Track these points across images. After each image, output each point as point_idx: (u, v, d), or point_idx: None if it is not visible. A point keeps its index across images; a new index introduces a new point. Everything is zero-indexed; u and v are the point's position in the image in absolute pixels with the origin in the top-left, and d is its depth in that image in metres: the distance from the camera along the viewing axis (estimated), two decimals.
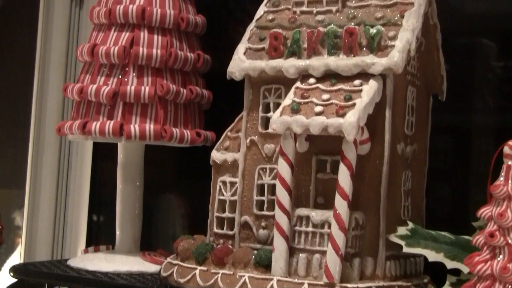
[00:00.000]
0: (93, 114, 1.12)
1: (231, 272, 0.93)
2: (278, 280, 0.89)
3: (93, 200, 1.52)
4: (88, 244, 1.49)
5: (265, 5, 1.05)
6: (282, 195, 0.91)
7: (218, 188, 1.04)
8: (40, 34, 1.57)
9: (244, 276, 0.92)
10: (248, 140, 1.00)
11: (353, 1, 0.98)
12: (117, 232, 1.19)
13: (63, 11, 1.58)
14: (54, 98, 1.55)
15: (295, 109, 0.90)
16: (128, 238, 1.18)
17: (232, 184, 1.02)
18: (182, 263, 0.99)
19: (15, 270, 1.15)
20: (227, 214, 1.01)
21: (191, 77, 1.16)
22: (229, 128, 1.06)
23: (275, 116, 0.91)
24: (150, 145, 1.17)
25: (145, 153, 1.20)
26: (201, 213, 1.06)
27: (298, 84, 0.94)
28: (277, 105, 0.97)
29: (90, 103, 1.13)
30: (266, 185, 0.98)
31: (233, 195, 1.02)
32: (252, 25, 1.03)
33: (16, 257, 1.60)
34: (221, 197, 1.03)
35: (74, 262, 1.15)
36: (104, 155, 1.51)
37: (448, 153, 1.23)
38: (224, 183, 1.03)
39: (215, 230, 1.02)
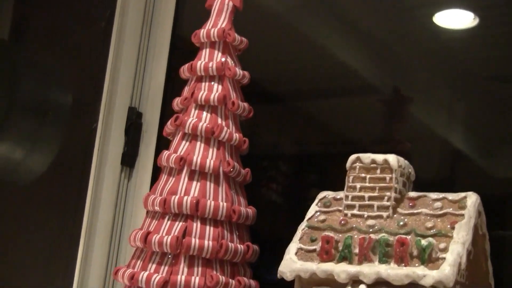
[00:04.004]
0: None
1: None
2: None
3: None
4: None
5: (316, 204, 1.08)
6: None
7: None
8: (88, 206, 1.62)
9: None
10: None
11: (404, 209, 1.01)
12: None
13: (113, 181, 1.64)
14: (96, 276, 1.58)
15: None
16: None
17: None
18: None
19: None
20: None
21: (239, 268, 1.18)
22: None
23: None
24: None
25: None
26: None
27: None
28: None
29: None
30: None
31: None
32: (303, 225, 1.06)
33: None
34: None
35: None
36: None
37: None
38: None
39: None
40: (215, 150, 1.20)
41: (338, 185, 1.10)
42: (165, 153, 1.22)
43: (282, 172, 1.51)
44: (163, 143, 1.61)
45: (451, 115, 1.41)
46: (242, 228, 1.21)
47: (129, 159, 1.65)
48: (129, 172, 1.66)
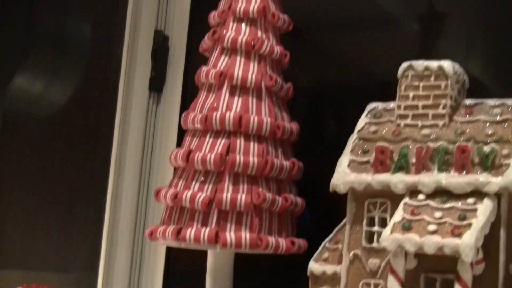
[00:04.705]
0: (187, 221, 1.11)
1: None
2: None
3: None
4: None
5: (366, 116, 1.04)
6: None
7: None
8: (116, 134, 1.59)
9: None
10: (351, 254, 0.98)
11: (460, 117, 0.97)
12: None
13: (141, 107, 1.60)
14: (128, 203, 1.56)
15: (406, 227, 0.88)
16: None
17: None
18: None
19: None
20: None
21: (285, 185, 1.15)
22: (328, 239, 1.04)
23: (385, 233, 0.89)
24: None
25: None
26: None
27: (406, 200, 0.93)
28: (382, 220, 0.96)
29: (183, 209, 1.12)
30: None
31: None
32: (354, 137, 1.03)
33: None
34: None
35: None
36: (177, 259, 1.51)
37: None
38: None
39: None
40: (256, 64, 1.15)
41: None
42: (204, 68, 1.18)
43: (298, 105, 1.47)
44: (191, 66, 1.57)
45: (470, 42, 1.37)
46: (286, 145, 1.17)
47: (157, 84, 1.61)
48: (157, 97, 1.62)
